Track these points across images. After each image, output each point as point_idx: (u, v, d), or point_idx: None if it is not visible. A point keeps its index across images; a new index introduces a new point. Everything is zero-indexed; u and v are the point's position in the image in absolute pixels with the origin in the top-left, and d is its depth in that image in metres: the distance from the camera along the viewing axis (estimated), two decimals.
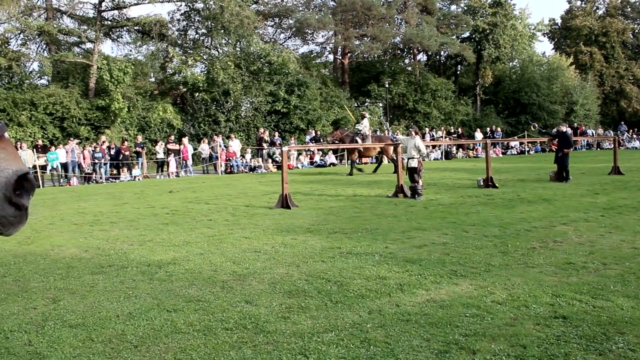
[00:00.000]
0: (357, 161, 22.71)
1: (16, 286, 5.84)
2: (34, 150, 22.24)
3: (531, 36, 48.19)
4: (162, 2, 32.97)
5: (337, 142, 22.26)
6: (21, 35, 30.91)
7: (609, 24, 51.13)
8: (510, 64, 46.78)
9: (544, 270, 5.89)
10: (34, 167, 20.81)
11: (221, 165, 25.41)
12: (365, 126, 22.12)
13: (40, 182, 20.95)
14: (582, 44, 51.42)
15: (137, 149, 24.86)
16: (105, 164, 23.15)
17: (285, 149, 13.39)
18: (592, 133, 38.71)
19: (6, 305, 5.17)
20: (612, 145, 18.80)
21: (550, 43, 56.95)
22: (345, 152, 22.83)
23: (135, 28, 32.82)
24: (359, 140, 21.22)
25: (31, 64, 31.38)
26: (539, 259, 6.38)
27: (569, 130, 17.10)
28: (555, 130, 17.45)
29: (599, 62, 51.15)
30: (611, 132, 40.78)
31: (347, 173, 21.22)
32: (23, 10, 30.07)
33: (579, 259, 6.33)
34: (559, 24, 55.19)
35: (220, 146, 25.96)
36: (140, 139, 26.24)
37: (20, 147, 21.17)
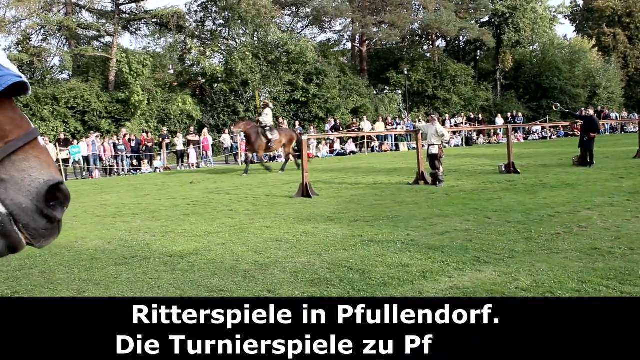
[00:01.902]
0: (253, 158, 19.86)
1: (42, 278, 5.91)
2: (57, 144, 22.53)
3: (552, 19, 47.30)
4: None
5: (242, 135, 20.11)
6: (42, 31, 31.29)
7: (634, 4, 49.93)
8: (531, 47, 45.98)
9: (569, 256, 5.80)
10: (57, 160, 21.07)
11: (241, 156, 25.49)
12: (267, 116, 18.93)
13: (63, 175, 21.21)
14: (605, 25, 50.36)
15: (161, 139, 25.17)
16: (128, 156, 23.39)
17: (304, 137, 13.36)
18: (616, 116, 38.02)
19: (33, 297, 5.24)
20: (637, 129, 18.44)
21: (572, 25, 55.91)
22: (248, 148, 19.31)
23: (153, 20, 32.97)
24: (268, 134, 18.47)
25: (52, 59, 31.76)
26: (564, 245, 6.28)
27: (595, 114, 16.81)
28: (579, 112, 17.19)
29: (623, 44, 50.08)
30: (636, 115, 39.99)
31: (242, 171, 18.62)
32: (43, 6, 30.43)
33: (605, 244, 6.22)
34: (581, 6, 54.10)
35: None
36: (165, 130, 26.54)
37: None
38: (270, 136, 18.47)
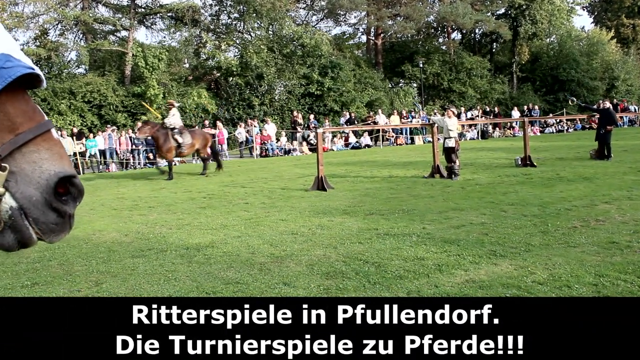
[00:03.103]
0: (165, 162, 17.61)
1: (61, 269, 5.99)
2: (72, 137, 22.75)
3: (569, 10, 46.66)
4: None
5: (148, 139, 18.70)
6: (59, 26, 31.54)
7: None
8: (548, 40, 45.44)
9: (586, 249, 5.76)
10: (74, 154, 21.27)
11: (256, 149, 25.57)
12: (174, 116, 16.81)
13: (81, 168, 21.45)
14: (624, 16, 49.64)
15: None
16: (144, 150, 23.56)
17: (319, 130, 13.36)
18: (635, 109, 37.55)
19: (52, 288, 5.31)
20: None
21: (590, 17, 55.18)
22: (157, 152, 17.75)
23: (168, 14, 33.09)
24: (178, 137, 16.49)
25: (69, 53, 32.02)
26: (581, 239, 6.23)
27: (611, 107, 16.63)
28: (596, 105, 17.02)
29: None
30: None
31: (166, 178, 16.45)
32: (60, 1, 30.68)
33: (622, 238, 6.16)
34: None
35: (255, 127, 26.15)
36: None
37: (61, 136, 21.68)
38: (181, 139, 16.54)
